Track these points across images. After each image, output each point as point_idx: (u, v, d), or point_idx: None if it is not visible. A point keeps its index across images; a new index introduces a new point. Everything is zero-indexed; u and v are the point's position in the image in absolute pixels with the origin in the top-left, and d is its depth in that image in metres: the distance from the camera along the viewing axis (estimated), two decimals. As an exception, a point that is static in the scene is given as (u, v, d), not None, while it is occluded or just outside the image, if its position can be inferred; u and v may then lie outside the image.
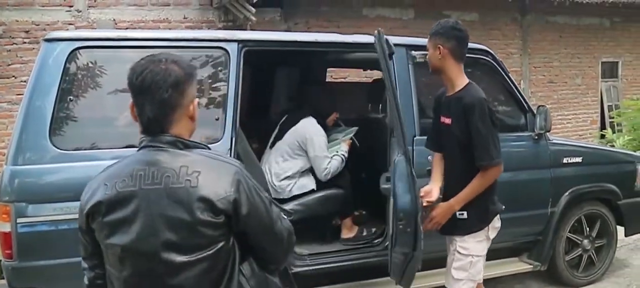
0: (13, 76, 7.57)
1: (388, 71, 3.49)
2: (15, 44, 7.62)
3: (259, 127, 5.40)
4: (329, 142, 4.63)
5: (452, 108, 3.16)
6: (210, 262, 1.73)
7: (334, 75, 7.56)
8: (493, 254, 3.91)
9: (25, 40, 7.63)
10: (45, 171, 3.34)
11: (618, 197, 5.08)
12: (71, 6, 7.85)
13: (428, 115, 4.48)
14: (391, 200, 3.52)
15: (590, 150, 5.23)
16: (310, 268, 4.06)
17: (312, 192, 4.52)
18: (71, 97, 3.44)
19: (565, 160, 4.77)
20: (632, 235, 5.42)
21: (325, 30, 8.78)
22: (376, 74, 6.26)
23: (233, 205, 1.72)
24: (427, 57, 3.26)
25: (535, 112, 4.57)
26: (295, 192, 4.50)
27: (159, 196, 1.70)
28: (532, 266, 4.77)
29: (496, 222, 3.25)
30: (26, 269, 3.32)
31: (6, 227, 3.27)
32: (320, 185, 4.56)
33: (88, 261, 1.90)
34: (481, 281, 3.31)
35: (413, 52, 4.21)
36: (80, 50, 3.49)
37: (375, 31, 3.56)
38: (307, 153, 4.52)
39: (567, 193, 4.76)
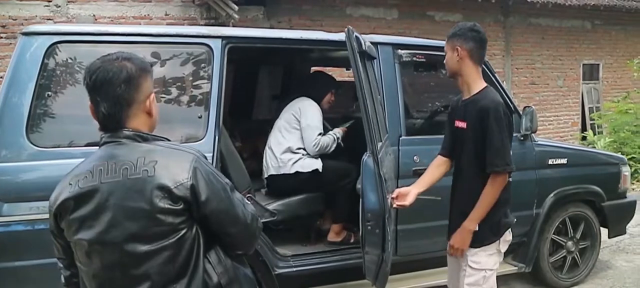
0: (-10, 71, 7.41)
1: (357, 69, 3.42)
2: (-7, 38, 7.47)
3: (241, 125, 5.33)
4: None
5: (468, 111, 3.06)
6: (173, 249, 1.76)
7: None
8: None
9: (2, 35, 7.48)
10: (22, 169, 3.23)
11: (602, 199, 5.08)
12: (50, 1, 7.72)
13: (414, 116, 4.46)
14: (361, 201, 3.46)
15: (575, 151, 5.23)
16: (294, 269, 3.98)
17: (315, 173, 4.35)
18: (49, 93, 3.32)
19: (550, 162, 4.75)
20: (615, 236, 5.42)
21: (309, 29, 8.71)
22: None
23: (191, 191, 1.75)
24: (444, 60, 3.16)
25: (521, 112, 4.54)
26: (298, 169, 4.33)
27: (118, 188, 1.74)
28: (516, 268, 4.74)
29: (508, 235, 3.14)
30: (0, 270, 3.20)
31: (-20, 227, 3.15)
32: (313, 183, 4.38)
33: (63, 260, 1.96)
34: None
35: (399, 51, 4.16)
36: (59, 45, 3.38)
37: (346, 29, 3.48)
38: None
39: (552, 195, 4.74)
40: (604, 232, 5.28)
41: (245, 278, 2.03)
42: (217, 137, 3.54)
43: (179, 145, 1.92)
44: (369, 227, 3.31)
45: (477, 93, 3.06)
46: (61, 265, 1.97)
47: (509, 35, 11.61)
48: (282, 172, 4.33)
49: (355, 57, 3.36)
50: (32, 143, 3.23)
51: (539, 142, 4.80)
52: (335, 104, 5.46)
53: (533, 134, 4.62)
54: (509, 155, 2.97)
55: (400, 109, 4.12)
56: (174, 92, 3.64)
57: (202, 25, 8.21)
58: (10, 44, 7.16)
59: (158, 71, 3.52)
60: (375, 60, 4.06)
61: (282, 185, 4.37)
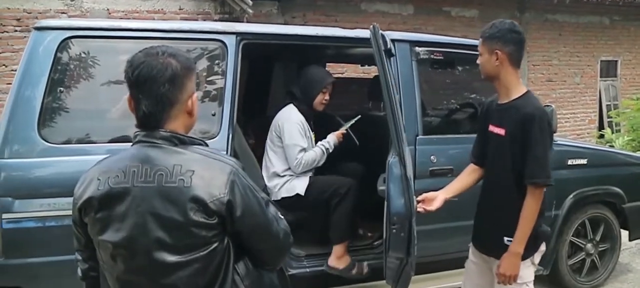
0: (3, 65, 7.40)
1: (383, 68, 3.33)
2: (7, 32, 7.44)
3: (256, 122, 5.27)
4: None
5: (507, 117, 2.87)
6: (203, 262, 1.71)
7: (330, 70, 7.40)
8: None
9: (17, 28, 7.45)
10: (33, 165, 3.18)
11: (623, 201, 4.96)
12: (64, -6, 7.69)
13: (431, 114, 4.37)
14: (385, 203, 3.39)
15: (596, 151, 5.11)
16: (307, 270, 3.93)
17: (297, 197, 4.00)
18: (61, 89, 3.29)
19: (569, 162, 4.64)
20: (636, 239, 5.30)
21: (323, 25, 8.66)
22: (375, 70, 6.15)
23: (227, 207, 1.69)
24: (479, 62, 2.95)
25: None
26: (283, 194, 4.05)
27: (151, 194, 1.67)
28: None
29: (542, 246, 3.02)
30: (11, 267, 3.16)
31: (-10, 223, 3.11)
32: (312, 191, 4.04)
33: (82, 253, 1.91)
34: None
35: (417, 48, 4.08)
36: (72, 40, 3.34)
37: (371, 26, 3.40)
38: None
39: (571, 196, 4.63)
40: (624, 234, 5.18)
41: (271, 285, 1.99)
42: (231, 135, 3.49)
43: (217, 153, 1.82)
44: (394, 231, 3.24)
45: (518, 98, 2.88)
46: (79, 257, 1.92)
47: (525, 31, 11.18)
48: (273, 199, 4.04)
49: (381, 56, 3.30)
50: (43, 139, 3.19)
51: (558, 142, 4.68)
52: (349, 102, 5.39)
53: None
54: (549, 167, 2.79)
55: (417, 108, 4.03)
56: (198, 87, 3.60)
57: (216, 20, 8.16)
58: (25, 37, 7.13)
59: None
60: (392, 58, 3.98)
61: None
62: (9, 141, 3.15)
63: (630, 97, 12.22)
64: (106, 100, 3.46)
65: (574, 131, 12.11)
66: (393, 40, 3.96)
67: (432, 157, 4.01)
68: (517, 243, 2.81)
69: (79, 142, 3.31)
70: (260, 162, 4.27)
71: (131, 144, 1.78)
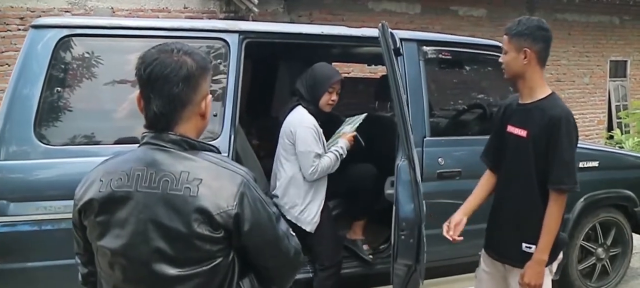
0: (7, 64, 7.32)
1: (392, 67, 3.23)
2: (10, 30, 7.37)
3: (259, 123, 5.19)
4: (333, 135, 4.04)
5: (531, 119, 2.75)
6: (205, 277, 1.60)
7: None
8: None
9: (20, 27, 7.37)
10: (29, 167, 3.10)
11: (635, 204, 4.85)
12: (68, -8, 7.62)
13: (439, 115, 4.28)
14: (394, 208, 3.29)
15: (607, 154, 5.00)
16: (310, 275, 3.84)
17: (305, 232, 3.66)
18: (59, 89, 3.21)
19: (580, 165, 4.50)
20: (647, 243, 5.19)
21: (329, 23, 8.56)
22: (381, 69, 6.06)
23: (234, 220, 1.58)
24: (505, 60, 2.81)
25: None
26: (292, 221, 3.69)
27: (154, 201, 1.57)
28: (544, 275, 4.53)
29: (560, 254, 2.92)
30: (6, 272, 3.08)
31: (-15, 226, 3.03)
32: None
33: (81, 257, 1.81)
34: None
35: (425, 47, 3.98)
36: (71, 38, 3.25)
37: (379, 24, 3.29)
38: None
39: (582, 200, 4.51)
40: (636, 238, 5.07)
41: None
42: (232, 136, 3.40)
43: (227, 162, 1.70)
44: (403, 237, 3.14)
45: (543, 99, 2.76)
46: (79, 261, 1.82)
47: (534, 31, 11.33)
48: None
49: (390, 55, 3.19)
50: (40, 140, 3.11)
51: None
52: (356, 102, 5.29)
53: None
54: (576, 172, 2.69)
55: (425, 109, 3.93)
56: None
57: (221, 19, 8.07)
58: (28, 36, 7.08)
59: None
60: (400, 57, 3.88)
61: None
62: (4, 142, 3.07)
63: (639, 97, 12.10)
64: (106, 101, 3.38)
65: (582, 132, 11.90)
66: (401, 39, 3.87)
67: (439, 159, 3.92)
68: (541, 251, 2.70)
69: (77, 143, 3.23)
70: (262, 163, 4.18)
71: (138, 144, 1.68)
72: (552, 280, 4.42)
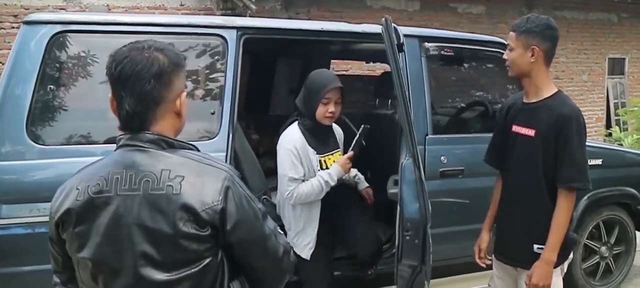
0: (0, 63, 7.24)
1: (396, 64, 3.15)
2: (3, 28, 7.28)
3: (258, 120, 5.13)
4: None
5: (537, 118, 2.71)
6: (195, 280, 1.54)
7: (335, 67, 7.23)
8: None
9: (14, 24, 7.27)
10: (22, 168, 3.02)
11: (638, 202, 4.79)
12: (63, -10, 7.53)
13: (440, 112, 4.21)
14: (398, 208, 3.21)
15: (611, 151, 4.92)
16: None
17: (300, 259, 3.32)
18: (52, 87, 3.12)
19: (585, 163, 4.48)
20: (651, 241, 5.12)
21: (328, 21, 8.48)
22: (379, 67, 5.99)
23: (220, 216, 1.53)
24: (511, 57, 2.75)
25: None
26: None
27: (136, 204, 1.51)
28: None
29: (570, 254, 2.87)
30: (-1, 276, 3.00)
31: (-24, 229, 2.95)
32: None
33: (60, 275, 1.72)
34: None
35: (426, 44, 3.91)
36: (64, 35, 3.16)
37: (383, 19, 3.20)
38: None
39: (585, 198, 4.45)
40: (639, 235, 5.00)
41: None
42: (231, 134, 3.32)
43: (210, 158, 1.66)
44: (408, 238, 3.06)
45: (549, 97, 2.72)
46: (58, 280, 1.73)
47: (532, 28, 11.28)
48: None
49: (394, 51, 3.10)
50: (33, 140, 3.02)
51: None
52: (355, 100, 5.21)
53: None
54: (587, 170, 2.65)
55: (427, 106, 3.86)
56: (186, 86, 3.42)
57: (218, 16, 8.00)
58: (22, 34, 6.98)
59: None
60: (401, 54, 3.81)
61: None
62: (-4, 143, 2.98)
63: (638, 95, 12.07)
64: (100, 99, 3.26)
65: (581, 129, 11.93)
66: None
67: (442, 158, 3.85)
68: (549, 250, 2.65)
69: (72, 143, 3.15)
70: (261, 161, 4.10)
71: (115, 148, 1.62)
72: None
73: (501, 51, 4.15)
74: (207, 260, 1.54)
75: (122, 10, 7.74)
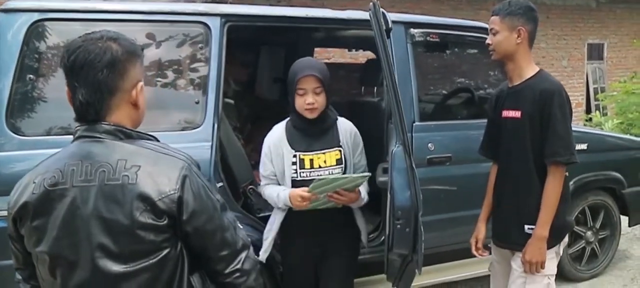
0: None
1: (384, 50, 3.09)
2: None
3: (240, 108, 5.05)
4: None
5: (522, 98, 2.73)
6: (153, 271, 1.53)
7: (317, 56, 7.14)
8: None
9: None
10: (2, 160, 2.93)
11: (622, 186, 4.82)
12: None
13: (427, 99, 4.16)
14: (388, 196, 3.14)
15: (596, 136, 4.94)
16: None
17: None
18: (32, 77, 3.03)
19: (570, 148, 4.47)
20: (635, 224, 5.18)
21: (310, 8, 8.39)
22: (361, 55, 5.93)
23: (177, 205, 1.53)
24: (495, 41, 2.77)
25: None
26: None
27: (92, 195, 1.50)
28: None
29: (565, 237, 2.87)
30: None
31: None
32: None
33: (22, 272, 1.72)
34: None
35: (412, 30, 3.86)
36: (43, 23, 3.08)
37: (371, 4, 3.12)
38: None
39: (571, 183, 4.41)
40: (624, 220, 5.03)
41: None
42: (216, 124, 3.25)
43: (168, 148, 1.64)
44: (399, 226, 3.01)
45: (532, 77, 2.75)
46: (20, 277, 1.73)
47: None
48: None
49: (383, 36, 3.03)
50: (13, 132, 2.94)
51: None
52: (338, 88, 5.15)
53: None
54: (573, 144, 2.66)
55: (414, 93, 3.81)
56: (169, 75, 3.35)
57: (201, 3, 7.87)
58: None
59: (152, 53, 3.24)
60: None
61: None
62: (-26, 134, 2.88)
63: (617, 79, 12.17)
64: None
65: (562, 114, 12.00)
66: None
67: (429, 145, 3.81)
68: (541, 226, 2.65)
69: (52, 134, 3.05)
70: (246, 150, 4.04)
71: (72, 140, 1.60)
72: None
73: (487, 36, 4.15)
74: (165, 251, 1.53)
75: (104, -1, 7.59)
